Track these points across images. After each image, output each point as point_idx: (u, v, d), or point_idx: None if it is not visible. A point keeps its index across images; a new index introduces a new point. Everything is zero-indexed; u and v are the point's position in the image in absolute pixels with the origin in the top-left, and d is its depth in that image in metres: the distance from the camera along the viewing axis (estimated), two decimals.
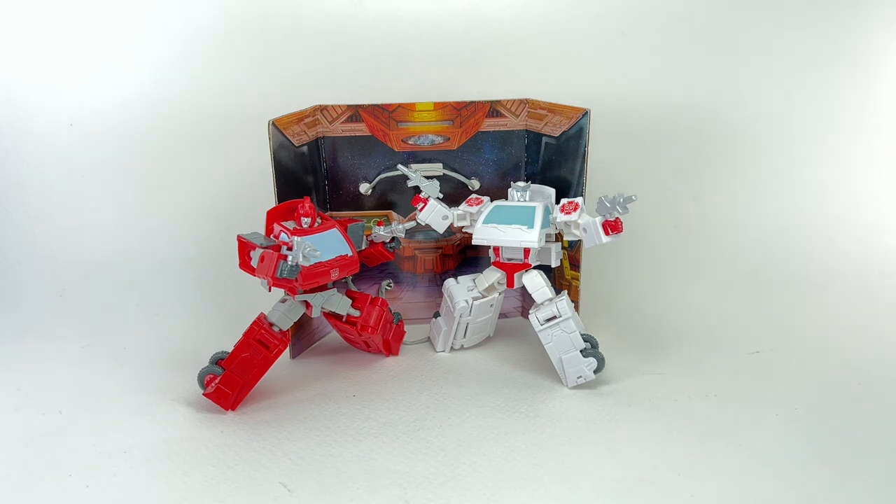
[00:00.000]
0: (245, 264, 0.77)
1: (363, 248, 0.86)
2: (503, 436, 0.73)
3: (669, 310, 1.02)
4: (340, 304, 0.83)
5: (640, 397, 0.80)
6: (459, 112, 0.92)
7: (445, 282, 0.90)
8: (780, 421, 0.75)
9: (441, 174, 0.94)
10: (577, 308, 0.88)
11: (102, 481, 0.66)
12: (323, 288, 0.81)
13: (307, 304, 0.81)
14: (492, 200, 0.87)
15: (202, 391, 0.77)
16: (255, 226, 0.83)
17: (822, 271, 1.09)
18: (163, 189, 1.08)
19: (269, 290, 0.78)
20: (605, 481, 0.66)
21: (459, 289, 0.88)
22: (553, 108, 0.90)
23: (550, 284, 0.84)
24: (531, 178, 0.95)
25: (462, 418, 0.76)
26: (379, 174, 0.94)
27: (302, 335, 0.92)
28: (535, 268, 0.85)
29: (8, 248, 1.07)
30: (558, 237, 0.87)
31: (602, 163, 1.00)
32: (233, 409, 0.78)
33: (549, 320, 0.82)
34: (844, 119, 1.14)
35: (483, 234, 0.84)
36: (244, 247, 0.77)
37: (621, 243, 0.86)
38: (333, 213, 0.95)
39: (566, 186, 0.90)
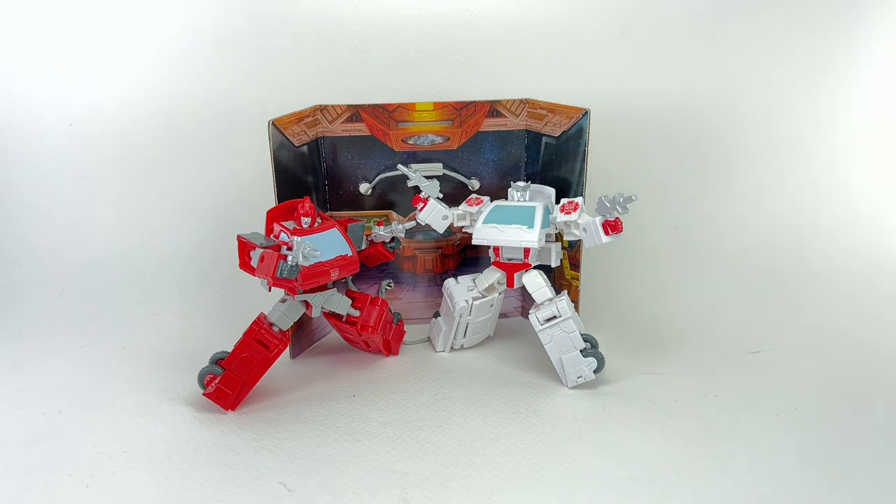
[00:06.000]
0: (245, 264, 0.77)
1: (363, 248, 0.86)
2: (503, 436, 0.73)
3: (669, 310, 1.02)
4: (340, 304, 0.83)
5: (640, 397, 0.80)
6: (459, 112, 0.92)
7: (445, 282, 0.90)
8: (780, 421, 0.75)
9: (441, 174, 0.94)
10: (577, 308, 0.88)
11: (102, 481, 0.66)
12: (323, 288, 0.81)
13: (307, 304, 0.81)
14: (492, 200, 0.87)
15: (202, 391, 0.77)
16: (255, 226, 0.83)
17: (822, 271, 1.09)
18: (163, 189, 1.08)
19: (269, 290, 0.78)
20: (605, 481, 0.66)
21: (459, 289, 0.88)
22: (553, 108, 0.90)
23: (550, 284, 0.84)
24: (531, 178, 0.95)
25: (462, 418, 0.76)
26: (379, 174, 0.94)
27: (302, 335, 0.92)
28: (535, 268, 0.85)
29: (8, 248, 1.07)
30: (558, 237, 0.87)
31: (602, 163, 1.00)
32: (233, 409, 0.78)
33: (549, 320, 0.82)
34: (845, 119, 1.14)
35: (483, 234, 0.84)
36: (244, 247, 0.77)
37: (621, 243, 0.86)
38: (333, 213, 0.95)
39: (566, 186, 0.90)
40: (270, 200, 0.84)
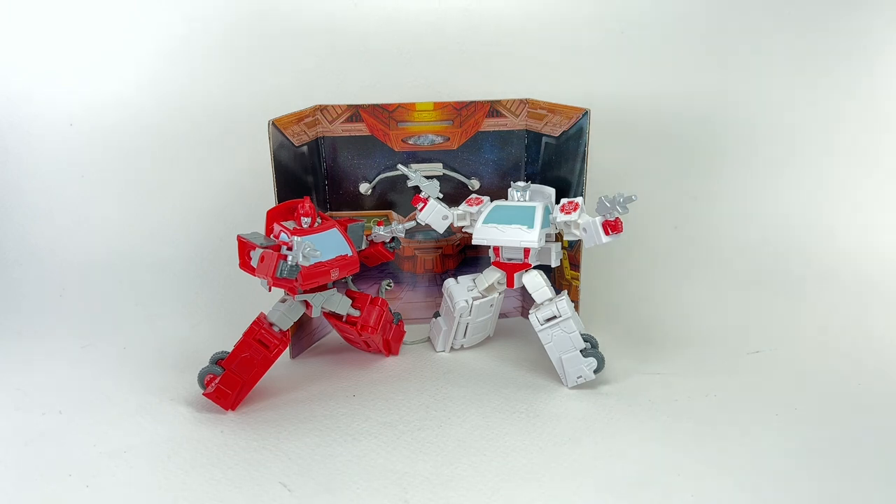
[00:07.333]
0: (245, 264, 0.77)
1: (363, 248, 0.86)
2: (503, 436, 0.73)
3: (669, 310, 1.02)
4: (340, 304, 0.83)
5: (640, 397, 0.80)
6: (459, 112, 0.92)
7: (445, 282, 0.90)
8: (780, 421, 0.75)
9: (441, 174, 0.94)
10: (577, 308, 0.88)
11: (102, 481, 0.66)
12: (323, 288, 0.81)
13: (307, 304, 0.81)
14: (492, 200, 0.87)
15: (202, 391, 0.77)
16: (255, 226, 0.83)
17: (822, 271, 1.08)
18: (163, 189, 1.08)
19: (269, 290, 0.78)
20: (605, 481, 0.66)
21: (459, 289, 0.88)
22: (553, 108, 0.90)
23: (550, 284, 0.84)
24: (531, 178, 0.95)
25: (462, 418, 0.76)
26: (379, 174, 0.94)
27: (302, 335, 0.92)
28: (535, 268, 0.85)
29: (8, 248, 1.07)
30: (558, 237, 0.87)
31: (602, 163, 1.00)
32: (233, 409, 0.78)
33: (549, 320, 0.82)
34: (844, 118, 1.14)
35: (483, 234, 0.84)
36: (244, 247, 0.77)
37: (621, 243, 0.86)
38: (333, 213, 0.95)
39: (566, 186, 0.90)
40: (270, 200, 0.84)
